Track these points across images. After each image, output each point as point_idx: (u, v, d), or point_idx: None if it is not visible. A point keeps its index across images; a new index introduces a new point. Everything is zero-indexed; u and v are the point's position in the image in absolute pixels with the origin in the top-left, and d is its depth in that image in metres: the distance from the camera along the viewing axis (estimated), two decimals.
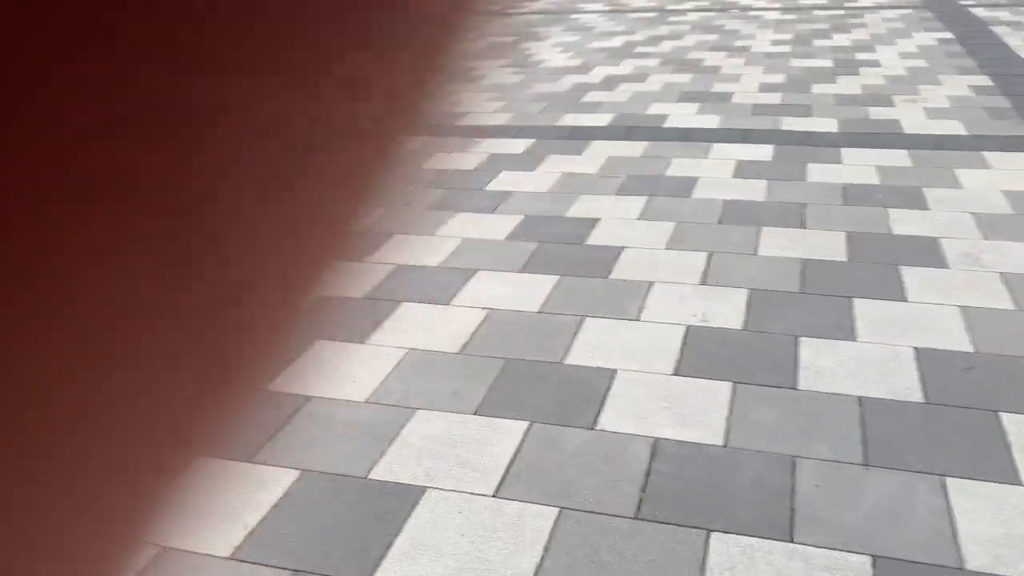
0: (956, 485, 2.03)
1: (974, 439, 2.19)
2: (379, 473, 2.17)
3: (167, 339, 0.11)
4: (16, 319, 0.09)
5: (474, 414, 2.40)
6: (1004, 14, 8.46)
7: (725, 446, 2.22)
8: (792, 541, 1.90)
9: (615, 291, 3.11)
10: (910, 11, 8.90)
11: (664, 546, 1.90)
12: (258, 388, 0.13)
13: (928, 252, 3.29)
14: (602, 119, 5.41)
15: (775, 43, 7.64)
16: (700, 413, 2.37)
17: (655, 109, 5.60)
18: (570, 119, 5.45)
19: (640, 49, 7.66)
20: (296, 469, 2.19)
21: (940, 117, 5.07)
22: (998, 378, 2.45)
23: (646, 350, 2.69)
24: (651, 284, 3.15)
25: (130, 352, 0.10)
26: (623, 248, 3.47)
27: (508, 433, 2.32)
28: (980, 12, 8.63)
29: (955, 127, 4.86)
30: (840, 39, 7.63)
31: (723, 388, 2.48)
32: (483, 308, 3.01)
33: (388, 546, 1.93)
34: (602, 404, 2.42)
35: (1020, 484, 2.02)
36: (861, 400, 2.39)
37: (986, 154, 4.36)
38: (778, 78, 6.28)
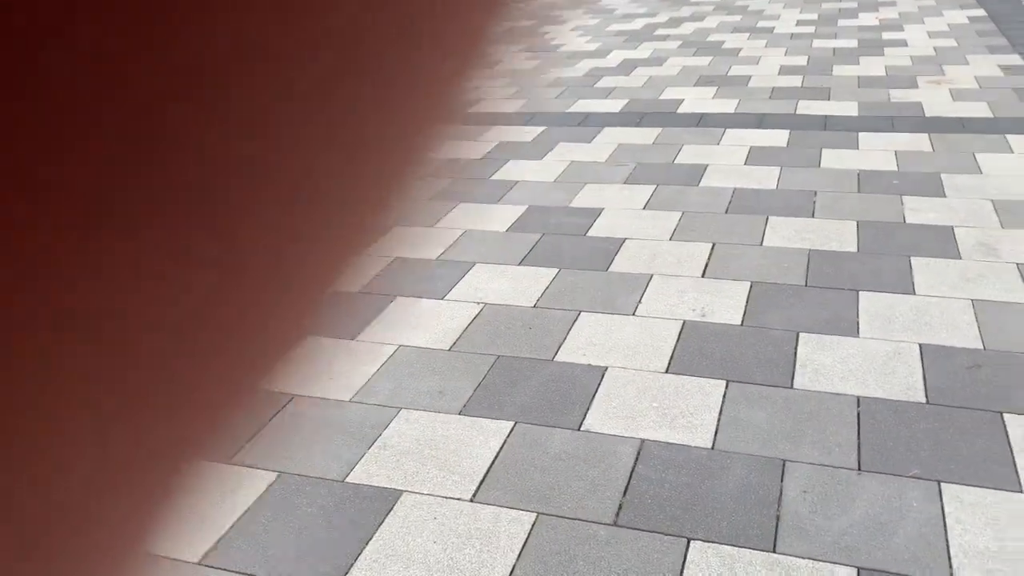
0: (952, 492, 1.94)
1: (974, 442, 2.09)
2: (357, 476, 2.13)
3: (161, 339, 0.11)
4: (16, 320, 0.09)
5: (459, 414, 2.35)
6: None
7: (713, 448, 2.15)
8: (775, 551, 1.82)
9: (613, 285, 3.03)
10: None
11: (641, 555, 1.84)
12: (250, 387, 0.13)
13: (942, 242, 3.16)
14: (615, 105, 5.31)
15: (800, 23, 7.44)
16: (690, 413, 2.29)
17: (670, 94, 5.48)
18: (583, 105, 5.35)
19: (660, 31, 7.51)
20: (274, 471, 2.16)
21: (965, 99, 4.89)
22: (1006, 377, 2.34)
23: (639, 347, 2.62)
24: (650, 277, 3.07)
25: (126, 354, 0.10)
26: (625, 240, 3.39)
27: (491, 434, 2.26)
28: None
29: (980, 109, 4.68)
30: (867, 18, 7.41)
31: (716, 387, 2.40)
32: (478, 303, 2.95)
33: (358, 554, 1.89)
34: (590, 404, 2.36)
35: (1020, 491, 1.92)
36: (859, 400, 2.30)
37: (1011, 137, 4.20)
38: (800, 60, 6.12)
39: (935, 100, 4.92)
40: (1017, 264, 2.95)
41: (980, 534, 1.82)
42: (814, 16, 7.70)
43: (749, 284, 2.97)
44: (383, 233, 0.14)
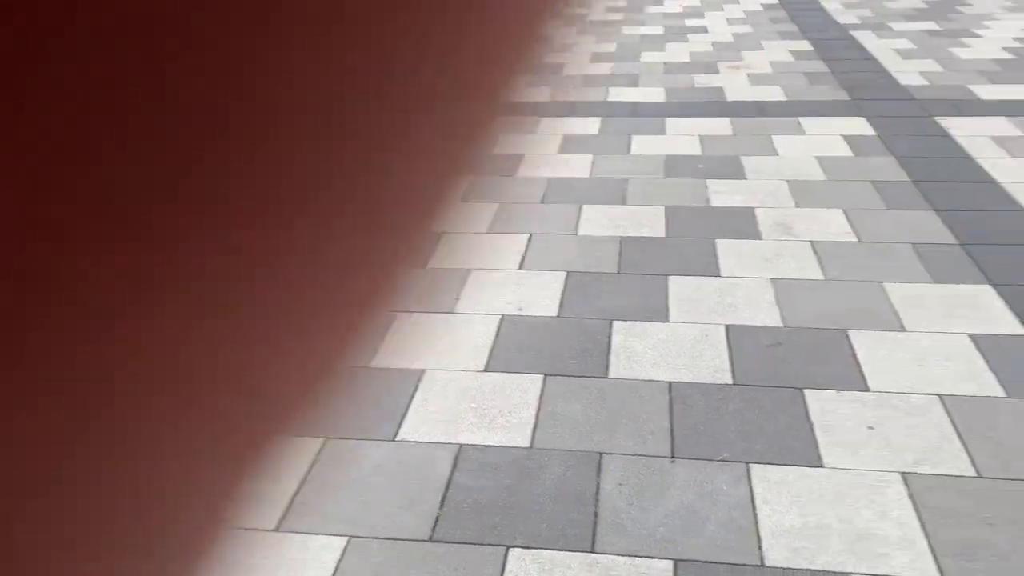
0: (759, 472, 1.98)
1: (778, 420, 2.16)
2: None
3: (260, 316, 0.11)
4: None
5: None
6: None
7: (531, 447, 2.10)
8: (593, 551, 1.79)
9: (432, 281, 2.93)
10: None
11: (458, 570, 1.76)
12: (332, 365, 0.13)
13: (744, 223, 3.28)
14: None
15: (609, 10, 7.61)
16: (508, 412, 2.24)
17: None
18: None
19: None
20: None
21: (762, 83, 5.15)
22: (804, 352, 2.44)
23: (458, 346, 2.54)
24: (469, 272, 2.99)
25: (209, 335, 0.10)
26: (442, 234, 3.29)
27: (299, 454, 2.10)
28: None
29: (775, 93, 4.93)
30: (671, 5, 7.68)
31: (534, 382, 2.35)
32: None
33: None
34: (406, 411, 2.25)
35: (821, 466, 2.00)
36: (671, 386, 2.32)
37: (803, 120, 4.44)
38: (609, 47, 6.24)
39: (735, 85, 5.15)
40: (811, 242, 3.10)
41: (786, 513, 1.86)
42: (623, 3, 7.91)
43: (565, 274, 2.96)
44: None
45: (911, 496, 1.88)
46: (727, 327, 2.59)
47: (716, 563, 1.75)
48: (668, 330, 2.58)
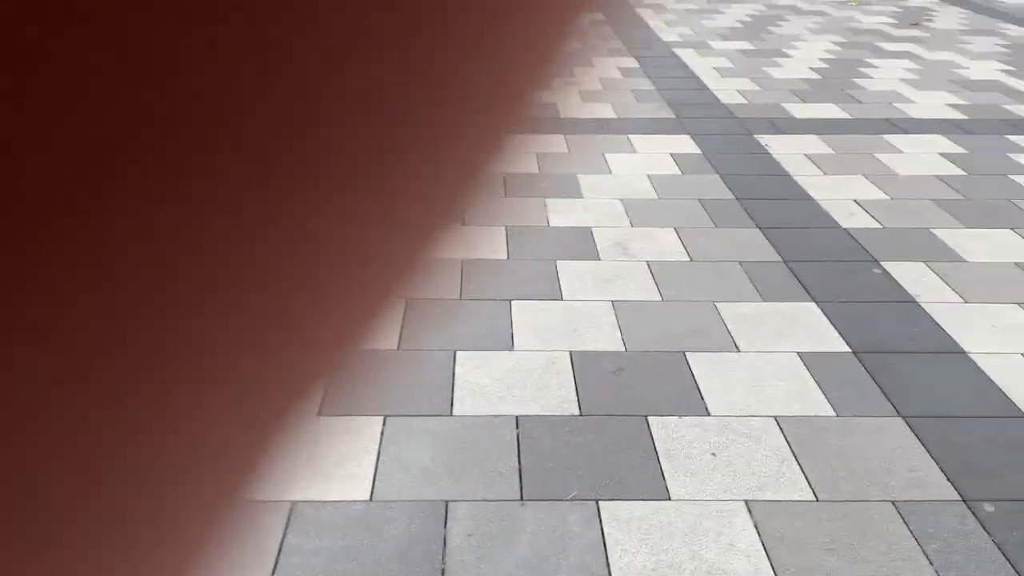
0: (609, 510, 1.94)
1: (624, 452, 2.13)
2: None
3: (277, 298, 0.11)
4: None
5: None
6: None
7: (371, 500, 1.96)
8: None
9: None
10: None
11: None
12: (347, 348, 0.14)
13: (582, 244, 3.28)
14: None
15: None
16: (345, 460, 2.08)
17: None
18: None
19: None
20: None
21: (593, 100, 5.23)
22: (646, 377, 2.43)
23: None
24: None
25: (228, 324, 0.11)
26: None
27: None
28: None
29: (606, 110, 5.02)
30: None
31: (373, 425, 2.21)
32: None
33: None
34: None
35: (669, 498, 1.98)
36: (518, 420, 2.25)
37: (632, 137, 4.54)
38: None
39: (567, 101, 5.19)
40: (647, 262, 3.13)
41: (638, 552, 1.82)
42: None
43: (404, 302, 2.82)
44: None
45: (756, 525, 1.90)
46: (571, 353, 2.55)
47: None
48: (513, 359, 2.51)
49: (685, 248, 3.25)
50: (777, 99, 5.30)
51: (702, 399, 2.34)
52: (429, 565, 1.78)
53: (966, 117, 4.95)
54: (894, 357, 2.53)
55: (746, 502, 1.97)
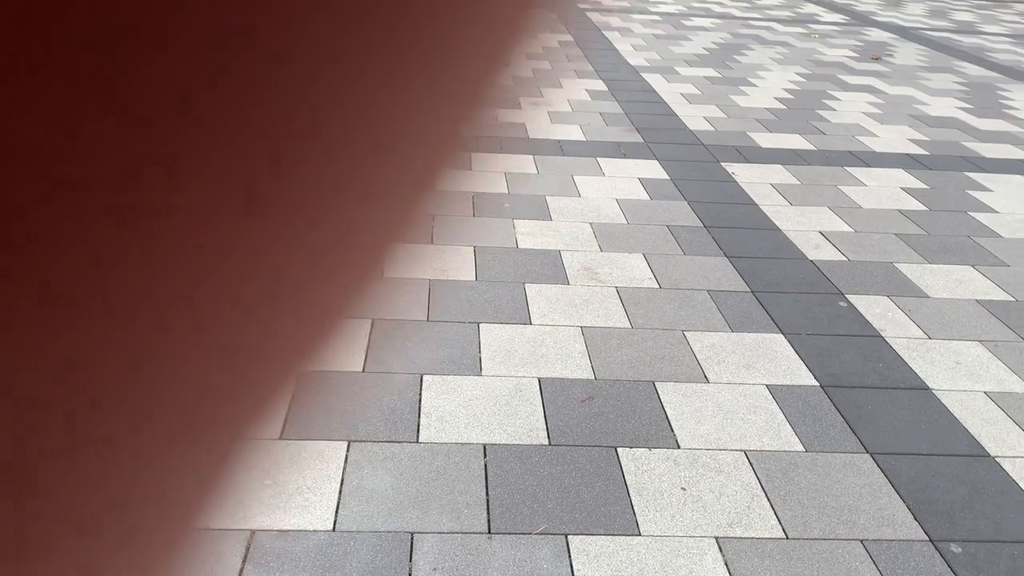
0: (578, 545, 1.90)
1: (594, 484, 2.09)
2: None
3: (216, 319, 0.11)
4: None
5: None
6: (615, 20, 9.18)
7: (334, 530, 1.89)
8: None
9: None
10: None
11: None
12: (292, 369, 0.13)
13: (552, 267, 3.25)
14: None
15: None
16: (308, 488, 2.01)
17: None
18: None
19: None
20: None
21: (562, 122, 5.23)
22: (615, 406, 2.41)
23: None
24: None
25: (176, 336, 0.10)
26: None
27: None
28: (595, 16, 9.29)
29: (575, 132, 5.02)
30: None
31: (337, 450, 2.15)
32: None
33: None
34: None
35: (639, 533, 1.95)
36: (486, 449, 2.20)
37: (601, 160, 4.54)
38: None
39: (536, 122, 5.19)
40: (616, 288, 3.12)
41: None
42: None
43: (371, 322, 2.77)
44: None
45: (726, 563, 1.87)
46: (540, 380, 2.51)
47: None
48: (481, 385, 2.47)
49: (654, 274, 3.24)
50: (743, 127, 5.35)
51: (672, 431, 2.31)
52: None
53: (927, 152, 5.05)
54: (860, 392, 2.54)
55: (716, 539, 1.94)
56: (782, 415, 2.40)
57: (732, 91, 6.31)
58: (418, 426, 2.27)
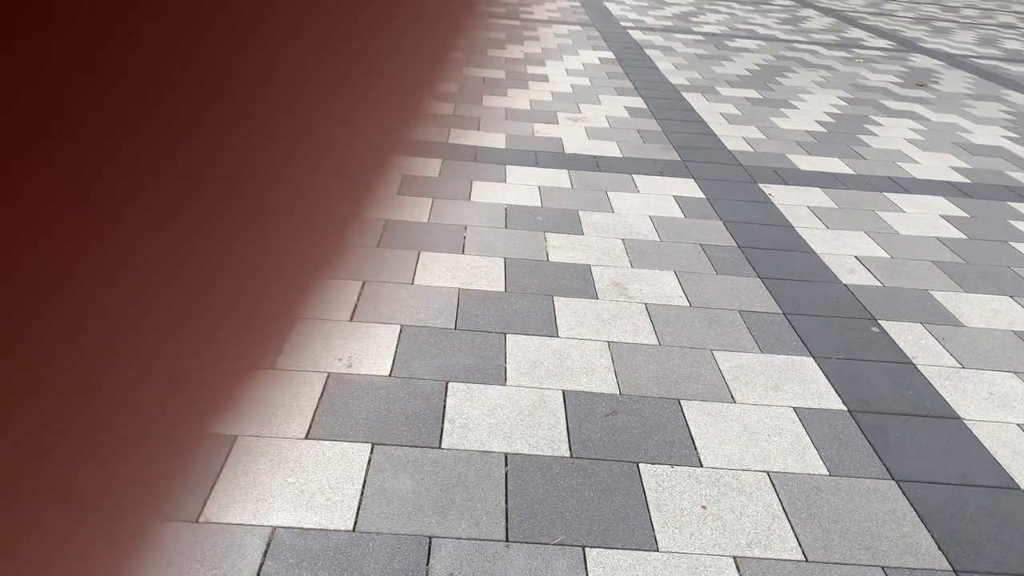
0: (595, 558, 1.90)
1: (614, 499, 2.09)
2: None
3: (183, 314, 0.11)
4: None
5: None
6: (657, 39, 9.19)
7: (354, 531, 1.91)
8: None
9: None
10: (579, 28, 9.37)
11: None
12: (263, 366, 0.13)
13: (581, 281, 3.26)
14: None
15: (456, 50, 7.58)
16: (330, 488, 2.04)
17: None
18: None
19: None
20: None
21: (599, 138, 5.24)
22: (639, 423, 2.40)
23: (277, 408, 2.31)
24: (292, 323, 2.76)
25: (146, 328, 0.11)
26: None
27: None
28: (637, 35, 9.31)
29: (611, 148, 5.03)
30: (514, 50, 7.77)
31: (360, 453, 2.17)
32: None
33: None
34: (213, 486, 2.01)
35: (656, 549, 1.94)
36: (507, 458, 2.21)
37: (636, 177, 4.54)
38: (452, 86, 6.18)
39: (573, 137, 5.21)
40: (645, 304, 3.11)
41: None
42: (465, 43, 7.91)
43: (399, 328, 2.80)
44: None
45: None
46: (564, 392, 2.52)
47: None
48: (505, 394, 2.48)
49: (685, 292, 3.23)
50: (783, 149, 5.32)
51: (695, 449, 2.31)
52: None
53: (969, 181, 4.97)
54: (889, 418, 2.51)
55: (735, 558, 1.93)
56: (808, 438, 2.38)
57: (773, 113, 6.28)
58: (441, 432, 2.28)
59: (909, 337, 3.02)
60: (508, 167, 4.52)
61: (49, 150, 0.08)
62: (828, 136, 5.75)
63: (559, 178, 4.43)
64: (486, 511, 2.01)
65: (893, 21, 12.74)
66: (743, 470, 2.23)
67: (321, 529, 1.91)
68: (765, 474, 2.22)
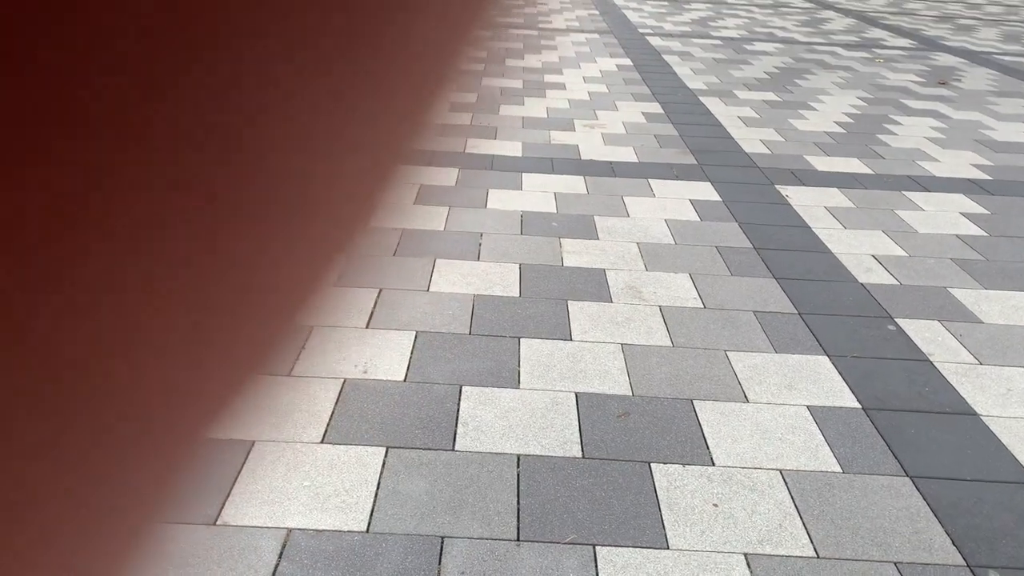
0: (606, 556, 1.92)
1: (625, 498, 2.11)
2: None
3: (181, 322, 0.11)
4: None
5: None
6: (675, 44, 9.20)
7: (368, 531, 1.95)
8: None
9: None
10: (597, 36, 9.41)
11: None
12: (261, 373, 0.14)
13: (595, 285, 3.28)
14: None
15: (468, 60, 7.64)
16: (345, 491, 2.07)
17: None
18: None
19: None
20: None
21: (615, 143, 5.26)
22: (652, 423, 2.41)
23: (293, 413, 2.36)
24: (310, 330, 2.81)
25: (144, 337, 0.11)
26: None
27: None
28: (656, 41, 9.32)
29: (627, 154, 5.05)
30: (531, 60, 7.81)
31: (375, 456, 2.21)
32: None
33: None
34: (230, 489, 2.05)
35: (667, 547, 1.95)
36: (519, 459, 2.23)
37: (652, 182, 4.55)
38: (469, 97, 6.23)
39: (590, 143, 5.23)
40: (660, 307, 3.13)
41: None
42: (483, 54, 7.97)
43: (414, 334, 2.83)
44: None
45: None
46: (577, 395, 2.54)
47: None
48: (519, 397, 2.51)
49: (699, 294, 3.24)
50: (800, 151, 5.31)
51: (707, 448, 2.31)
52: None
53: (990, 178, 4.92)
54: (904, 415, 2.50)
55: (745, 555, 1.93)
56: (821, 436, 2.38)
57: (791, 115, 6.26)
58: (455, 435, 2.31)
59: (926, 335, 3.00)
60: (524, 175, 4.55)
61: (54, 150, 0.08)
62: (847, 137, 5.72)
63: (575, 184, 4.45)
64: (498, 511, 2.04)
65: (915, 20, 12.64)
66: (755, 468, 2.24)
67: (335, 530, 1.94)
68: (778, 472, 2.22)
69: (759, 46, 9.46)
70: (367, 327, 2.86)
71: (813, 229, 3.98)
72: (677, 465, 2.24)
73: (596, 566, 1.88)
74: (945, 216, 4.24)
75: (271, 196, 0.12)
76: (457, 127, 5.38)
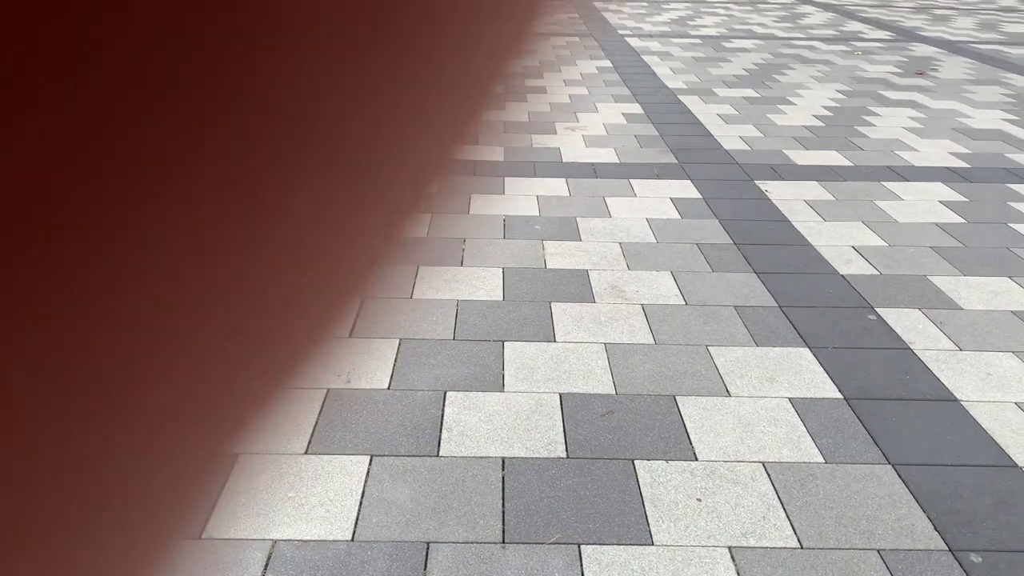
0: (591, 554, 1.93)
1: (609, 496, 2.12)
2: None
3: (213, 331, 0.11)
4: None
5: None
6: (654, 44, 9.24)
7: (353, 540, 1.95)
8: None
9: None
10: (577, 39, 9.44)
11: None
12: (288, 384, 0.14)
13: (578, 286, 3.29)
14: None
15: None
16: (329, 501, 2.08)
17: None
18: None
19: None
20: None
21: (596, 145, 5.28)
22: (635, 421, 2.43)
23: (277, 424, 2.36)
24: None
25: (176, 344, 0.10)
26: None
27: None
28: (635, 42, 9.36)
29: (609, 155, 5.07)
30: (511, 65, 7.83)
31: (359, 465, 2.21)
32: None
33: None
34: (215, 503, 2.05)
35: (651, 543, 1.96)
36: (504, 462, 2.24)
37: (634, 182, 4.57)
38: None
39: (571, 146, 5.25)
40: (642, 305, 3.14)
41: None
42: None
43: (398, 341, 2.84)
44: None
45: (739, 572, 1.87)
46: (561, 395, 2.55)
47: None
48: (503, 401, 2.51)
49: (681, 292, 3.25)
50: (779, 146, 5.34)
51: (690, 443, 2.33)
52: None
53: (968, 165, 4.96)
54: (885, 404, 2.52)
55: (729, 549, 1.95)
56: (803, 427, 2.40)
57: (770, 110, 6.29)
58: (439, 440, 2.32)
59: (907, 323, 3.03)
60: (507, 179, 4.57)
61: (64, 149, 0.08)
62: (825, 130, 5.75)
63: (557, 187, 4.47)
64: (483, 515, 2.05)
65: (892, 12, 12.72)
66: (738, 462, 2.25)
67: (320, 540, 1.95)
68: (760, 464, 2.24)
69: (738, 43, 9.51)
70: (350, 336, 2.86)
71: (793, 223, 4.01)
72: (660, 461, 2.25)
73: (581, 565, 1.89)
74: (924, 205, 4.28)
75: (303, 212, 0.11)
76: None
